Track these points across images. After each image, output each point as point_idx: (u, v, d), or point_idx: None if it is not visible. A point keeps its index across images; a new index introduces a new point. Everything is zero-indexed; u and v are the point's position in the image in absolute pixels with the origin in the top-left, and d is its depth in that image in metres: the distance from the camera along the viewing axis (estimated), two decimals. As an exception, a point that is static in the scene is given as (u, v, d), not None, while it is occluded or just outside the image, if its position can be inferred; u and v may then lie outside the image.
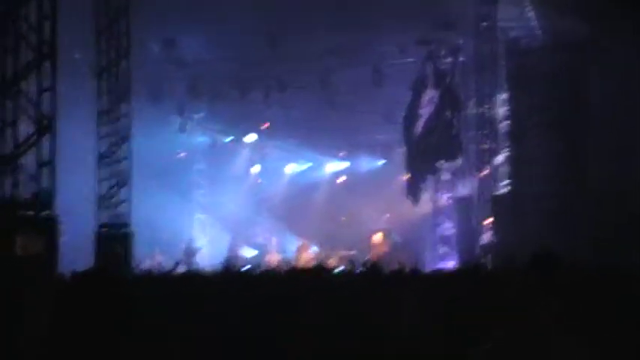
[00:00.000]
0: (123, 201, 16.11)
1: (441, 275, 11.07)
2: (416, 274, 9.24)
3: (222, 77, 24.06)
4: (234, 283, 7.63)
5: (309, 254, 26.19)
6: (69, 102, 16.40)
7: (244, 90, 24.39)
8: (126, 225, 16.06)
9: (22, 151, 10.87)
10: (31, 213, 10.73)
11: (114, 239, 15.76)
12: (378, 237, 25.58)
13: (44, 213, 10.82)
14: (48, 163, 11.74)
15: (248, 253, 28.26)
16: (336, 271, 18.85)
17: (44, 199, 10.87)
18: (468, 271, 8.64)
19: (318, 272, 9.83)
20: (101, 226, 15.91)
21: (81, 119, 17.90)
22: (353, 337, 4.76)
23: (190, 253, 25.68)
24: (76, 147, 18.30)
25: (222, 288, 7.96)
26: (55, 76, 12.37)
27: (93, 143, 16.35)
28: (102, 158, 16.17)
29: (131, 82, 16.39)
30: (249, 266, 14.25)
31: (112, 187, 16.07)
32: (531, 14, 20.81)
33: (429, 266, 21.56)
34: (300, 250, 26.48)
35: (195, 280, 10.60)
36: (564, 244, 16.06)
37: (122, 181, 16.15)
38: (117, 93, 16.30)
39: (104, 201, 16.01)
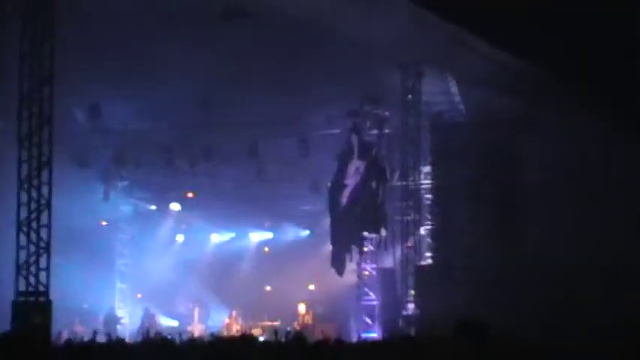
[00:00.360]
0: (42, 269, 15.70)
1: (365, 345, 11.07)
2: (340, 344, 9.21)
3: (148, 145, 23.89)
4: (158, 351, 7.50)
5: (237, 326, 25.95)
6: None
7: (170, 158, 24.24)
8: (44, 294, 15.63)
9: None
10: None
11: (32, 308, 15.33)
12: (301, 308, 25.44)
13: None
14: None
15: (168, 323, 27.84)
16: (261, 340, 18.76)
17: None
18: (393, 340, 8.64)
19: (245, 341, 9.73)
20: (19, 294, 15.48)
21: (1, 186, 17.60)
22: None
23: (111, 321, 25.17)
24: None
25: (146, 356, 7.83)
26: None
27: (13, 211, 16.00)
28: (21, 226, 15.80)
29: (53, 149, 16.09)
30: (169, 336, 13.98)
31: (31, 255, 15.68)
32: (454, 89, 21.27)
33: (353, 337, 21.51)
34: (229, 324, 26.20)
35: (116, 349, 10.40)
36: (490, 314, 16.16)
37: (41, 249, 15.76)
38: (38, 160, 15.99)
39: (23, 269, 15.59)
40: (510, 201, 20.09)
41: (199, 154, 24.10)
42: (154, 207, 29.41)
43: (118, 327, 25.27)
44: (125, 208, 28.87)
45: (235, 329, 25.52)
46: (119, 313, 27.22)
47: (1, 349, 3.33)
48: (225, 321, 26.75)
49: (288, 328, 21.76)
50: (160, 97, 20.90)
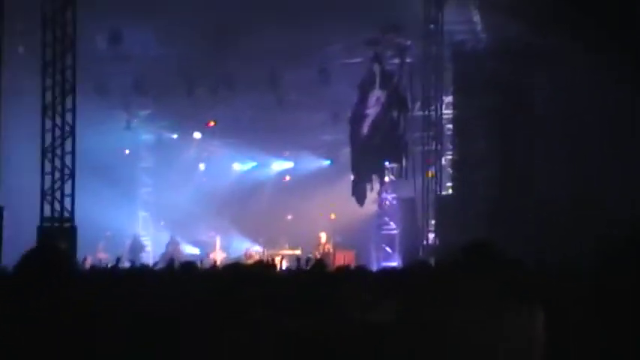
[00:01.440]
0: (67, 195, 15.88)
1: (386, 272, 11.15)
2: (361, 270, 9.27)
3: (169, 73, 23.84)
4: (182, 274, 7.58)
5: (256, 255, 26.14)
6: (13, 95, 16.32)
7: (191, 87, 24.20)
8: (69, 220, 15.83)
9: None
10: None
11: (57, 234, 15.53)
12: (322, 237, 25.56)
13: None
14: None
15: (191, 250, 28.10)
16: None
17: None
18: (412, 267, 8.68)
19: (264, 268, 9.84)
20: (44, 220, 15.68)
21: (26, 113, 17.69)
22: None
23: (136, 249, 25.48)
24: (21, 140, 18.15)
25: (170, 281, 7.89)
26: (0, 67, 12.22)
27: (37, 137, 16.11)
28: (46, 152, 15.93)
29: (76, 75, 16.13)
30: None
31: (55, 182, 15.85)
32: (477, 18, 21.05)
33: (372, 266, 21.66)
34: (249, 252, 26.39)
35: (141, 274, 10.54)
36: (510, 245, 16.22)
37: (66, 175, 15.92)
38: (62, 87, 16.05)
39: (48, 195, 15.78)
40: (529, 133, 19.99)
41: (220, 82, 24.03)
42: (175, 136, 29.48)
43: (143, 254, 25.57)
44: (147, 137, 28.99)
45: (257, 256, 25.73)
46: (143, 239, 27.51)
47: (26, 267, 3.29)
48: (246, 249, 26.95)
49: (310, 255, 21.91)
50: (180, 24, 20.78)
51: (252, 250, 26.64)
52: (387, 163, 23.14)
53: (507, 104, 20.04)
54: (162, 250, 26.36)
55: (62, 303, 3.19)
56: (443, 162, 22.62)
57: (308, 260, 17.23)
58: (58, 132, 15.96)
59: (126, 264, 18.41)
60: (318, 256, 21.80)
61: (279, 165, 31.65)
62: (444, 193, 22.34)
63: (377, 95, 22.71)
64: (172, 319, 4.50)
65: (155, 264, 14.61)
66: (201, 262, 16.60)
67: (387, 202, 23.48)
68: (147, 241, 27.59)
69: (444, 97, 22.60)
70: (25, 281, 3.23)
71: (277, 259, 23.50)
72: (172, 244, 26.04)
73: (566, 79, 18.86)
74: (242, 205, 29.83)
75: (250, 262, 24.54)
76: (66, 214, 15.79)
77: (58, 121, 15.96)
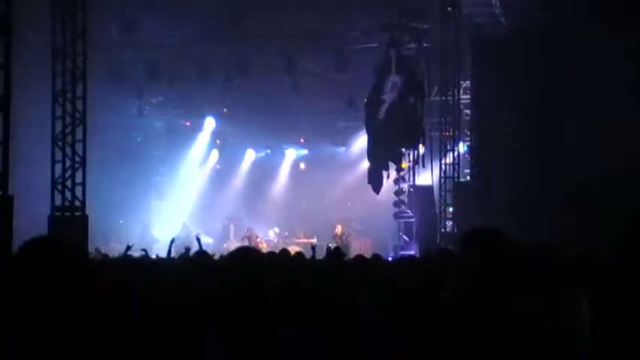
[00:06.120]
0: (77, 184, 15.59)
1: (403, 260, 10.86)
2: (379, 259, 8.99)
3: (182, 60, 23.49)
4: (196, 265, 7.29)
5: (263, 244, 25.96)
6: (24, 82, 16.04)
7: (204, 73, 23.84)
8: (80, 208, 15.52)
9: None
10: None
11: (68, 223, 15.23)
12: (338, 229, 25.29)
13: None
14: (2, 144, 11.33)
15: (204, 240, 27.81)
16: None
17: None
18: (430, 254, 8.42)
19: (280, 257, 9.54)
20: (55, 209, 15.39)
21: (36, 100, 17.42)
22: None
23: (147, 239, 25.13)
24: (31, 128, 17.89)
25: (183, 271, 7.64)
26: (10, 53, 11.89)
27: (48, 124, 15.82)
28: (56, 140, 15.63)
29: (87, 62, 15.84)
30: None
31: (66, 170, 15.55)
32: (496, 1, 20.60)
33: (390, 254, 21.35)
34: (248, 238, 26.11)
35: (153, 264, 10.23)
36: (531, 231, 15.94)
37: (77, 163, 15.62)
38: (73, 73, 15.75)
39: (58, 184, 15.49)
40: (551, 117, 19.57)
41: (234, 68, 23.66)
42: (188, 123, 29.19)
43: (156, 245, 25.26)
44: (159, 124, 28.68)
45: (259, 239, 25.61)
46: (155, 230, 27.22)
47: (36, 253, 3.07)
48: (248, 228, 26.66)
49: (331, 244, 21.62)
50: (194, 9, 20.42)
51: (254, 231, 26.36)
52: (403, 150, 22.70)
53: (528, 89, 19.61)
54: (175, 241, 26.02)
55: (66, 296, 3.00)
56: (462, 148, 22.28)
57: (327, 249, 16.84)
58: (68, 119, 15.63)
59: (136, 254, 18.13)
60: (335, 246, 21.47)
61: (294, 152, 31.37)
62: (462, 179, 22.02)
63: (393, 80, 22.23)
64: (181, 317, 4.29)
65: (168, 253, 14.25)
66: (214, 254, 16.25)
67: (404, 190, 23.08)
68: (159, 231, 27.24)
69: (462, 82, 22.31)
70: (25, 271, 3.03)
71: (291, 248, 23.24)
72: (186, 233, 25.68)
73: (590, 62, 18.40)
74: (256, 194, 29.61)
75: (254, 244, 24.46)
76: (77, 203, 15.47)
77: (69, 108, 15.64)
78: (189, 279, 6.40)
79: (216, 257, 7.72)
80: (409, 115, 22.01)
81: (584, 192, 17.87)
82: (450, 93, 21.79)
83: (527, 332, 3.81)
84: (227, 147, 30.34)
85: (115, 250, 21.93)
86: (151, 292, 6.15)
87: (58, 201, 15.35)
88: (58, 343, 2.94)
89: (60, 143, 15.52)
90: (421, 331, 4.11)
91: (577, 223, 17.18)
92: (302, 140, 30.55)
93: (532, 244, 4.76)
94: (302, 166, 30.95)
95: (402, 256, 18.70)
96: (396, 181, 23.24)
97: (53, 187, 15.35)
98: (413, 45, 22.22)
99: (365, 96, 23.25)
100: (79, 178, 15.54)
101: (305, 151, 31.04)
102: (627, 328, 5.29)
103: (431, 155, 22.31)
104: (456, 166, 21.79)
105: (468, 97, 22.27)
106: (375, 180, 22.82)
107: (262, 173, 30.82)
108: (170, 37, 22.54)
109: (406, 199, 23.11)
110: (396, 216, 23.20)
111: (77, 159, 15.54)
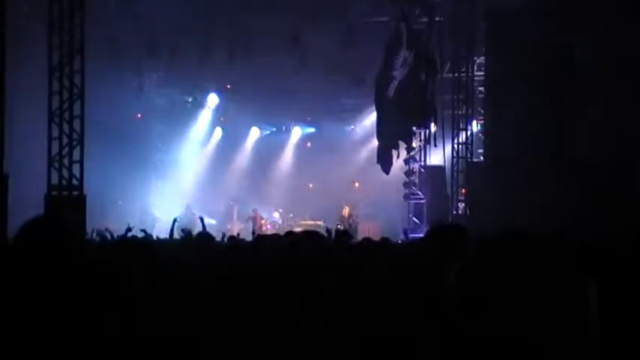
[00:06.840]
0: (75, 162, 14.94)
1: (413, 243, 10.46)
2: (387, 242, 8.42)
3: (183, 34, 22.71)
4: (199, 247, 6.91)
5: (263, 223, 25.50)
6: (18, 56, 15.38)
7: (207, 47, 23.09)
8: (78, 187, 14.88)
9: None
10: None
11: (65, 202, 14.59)
12: (345, 211, 24.76)
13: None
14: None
15: (207, 221, 27.15)
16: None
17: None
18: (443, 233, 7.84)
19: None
20: (51, 187, 14.73)
21: (31, 75, 16.79)
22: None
23: (147, 219, 24.44)
24: (27, 104, 17.28)
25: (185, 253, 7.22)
26: (3, 26, 11.30)
27: (44, 100, 15.17)
28: (53, 116, 14.97)
29: (85, 35, 15.17)
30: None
31: (63, 147, 14.89)
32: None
33: (399, 237, 20.70)
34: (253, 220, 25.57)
35: (154, 245, 9.58)
36: (543, 213, 15.49)
37: (74, 140, 14.97)
38: (70, 47, 15.06)
39: (55, 162, 14.83)
40: (567, 95, 18.85)
41: (237, 42, 22.88)
42: (190, 99, 28.49)
43: (157, 225, 24.57)
44: (160, 100, 27.94)
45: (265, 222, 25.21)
46: (155, 210, 26.57)
47: (32, 233, 3.06)
48: (253, 209, 26.13)
49: (339, 226, 21.03)
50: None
51: (259, 212, 25.85)
52: (414, 129, 22.05)
53: (545, 65, 18.86)
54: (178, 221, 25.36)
55: (64, 279, 3.00)
56: (475, 126, 21.73)
57: (336, 231, 16.17)
58: (65, 95, 14.98)
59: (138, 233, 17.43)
60: (342, 228, 20.84)
61: (300, 130, 30.77)
62: (475, 160, 21.43)
63: (404, 56, 21.50)
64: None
65: (171, 234, 13.58)
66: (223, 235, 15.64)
67: (415, 170, 22.47)
68: (160, 212, 26.54)
69: (475, 58, 21.79)
70: (24, 255, 3.05)
71: (297, 230, 22.60)
72: (189, 214, 24.98)
73: (610, 37, 17.67)
74: (261, 173, 29.03)
75: (259, 225, 23.94)
76: (74, 182, 14.87)
77: (66, 83, 14.98)
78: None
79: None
80: (420, 92, 21.30)
81: (600, 173, 17.18)
82: (464, 69, 21.39)
83: (532, 322, 3.28)
84: (230, 124, 29.68)
85: (114, 232, 21.24)
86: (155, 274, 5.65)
87: (54, 179, 14.79)
88: (57, 329, 2.92)
89: (57, 119, 14.92)
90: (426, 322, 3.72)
91: (592, 205, 16.57)
92: (308, 118, 29.93)
93: (542, 232, 4.14)
94: (309, 145, 30.36)
95: (412, 239, 18.09)
96: (406, 161, 22.69)
97: (50, 165, 14.74)
98: (424, 19, 21.63)
99: (374, 72, 22.55)
100: (76, 156, 14.97)
101: (312, 129, 30.46)
102: (637, 318, 4.80)
103: (443, 134, 21.81)
104: (469, 146, 21.43)
105: (482, 73, 21.67)
106: (384, 159, 22.19)
107: (267, 152, 30.22)
108: (171, 9, 21.75)
109: (417, 180, 22.53)
110: (406, 197, 22.68)
111: (75, 136, 14.96)
